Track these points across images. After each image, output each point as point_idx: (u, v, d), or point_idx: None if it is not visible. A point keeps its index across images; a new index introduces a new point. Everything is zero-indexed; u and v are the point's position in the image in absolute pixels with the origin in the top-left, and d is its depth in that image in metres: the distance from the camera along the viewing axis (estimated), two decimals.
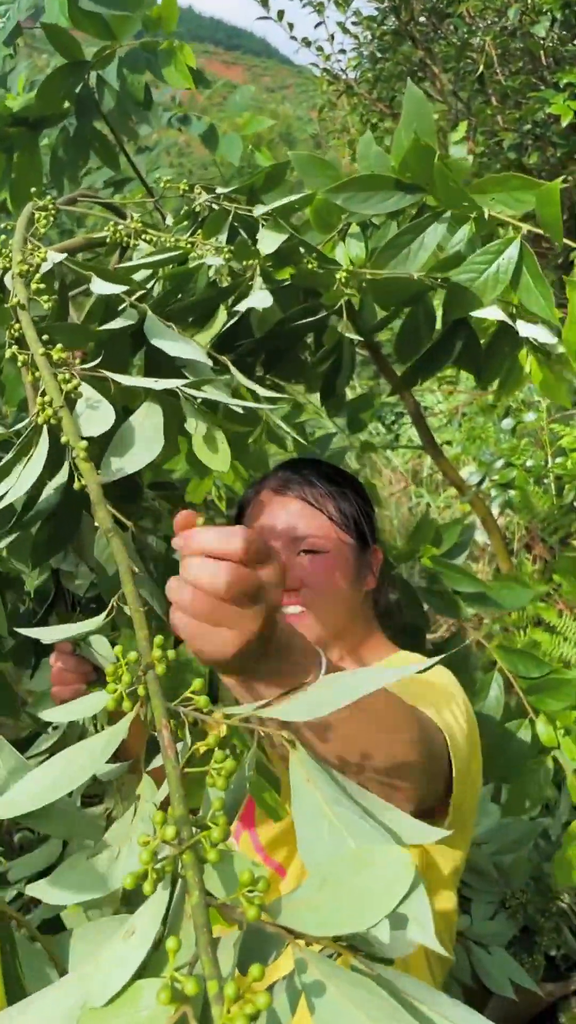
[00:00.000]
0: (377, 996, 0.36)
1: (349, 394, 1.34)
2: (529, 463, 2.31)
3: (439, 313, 1.08)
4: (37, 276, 0.74)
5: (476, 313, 0.90)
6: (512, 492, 2.31)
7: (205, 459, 0.72)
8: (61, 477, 0.68)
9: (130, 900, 0.67)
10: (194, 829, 0.39)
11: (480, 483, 2.36)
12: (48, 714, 0.48)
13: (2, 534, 0.66)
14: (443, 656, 0.47)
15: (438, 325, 1.07)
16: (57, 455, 0.64)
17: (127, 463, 0.63)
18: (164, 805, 0.45)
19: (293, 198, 0.94)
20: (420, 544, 1.35)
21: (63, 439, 0.59)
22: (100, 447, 0.65)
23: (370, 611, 1.04)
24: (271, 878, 0.95)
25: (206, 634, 0.52)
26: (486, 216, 0.96)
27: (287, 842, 0.92)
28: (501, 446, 2.62)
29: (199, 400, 0.72)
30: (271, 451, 1.40)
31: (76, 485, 0.60)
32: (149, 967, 0.37)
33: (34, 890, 0.49)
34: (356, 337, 0.94)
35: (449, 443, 3.35)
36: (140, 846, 0.37)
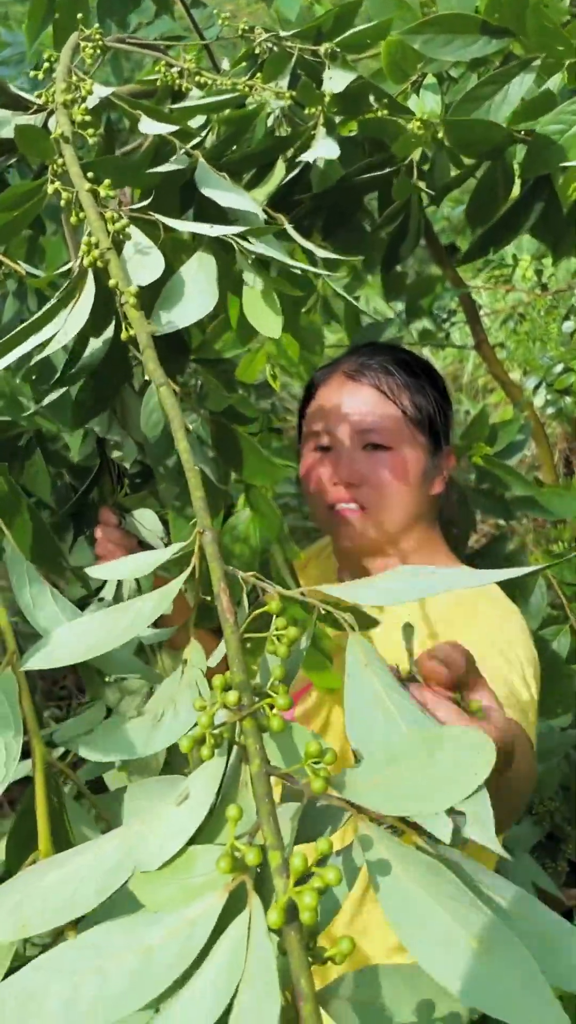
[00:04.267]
0: (444, 878, 0.34)
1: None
2: None
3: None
4: (82, 106, 0.67)
5: (565, 164, 0.81)
6: (568, 399, 2.21)
7: (257, 322, 0.65)
8: (108, 332, 0.63)
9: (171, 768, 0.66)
10: (255, 697, 0.35)
11: (537, 387, 2.24)
12: (95, 570, 0.45)
13: (46, 390, 0.62)
14: (515, 573, 0.41)
15: (515, 192, 0.98)
16: (103, 307, 0.59)
17: (178, 316, 0.58)
18: (210, 675, 0.42)
19: (364, 27, 0.84)
20: (473, 441, 1.29)
21: (111, 283, 0.54)
22: (148, 300, 0.60)
23: (433, 517, 0.97)
24: None
25: None
26: None
27: (310, 722, 0.91)
28: (560, 349, 2.49)
29: (254, 256, 0.66)
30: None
31: (124, 335, 0.55)
32: (202, 834, 0.35)
33: (73, 744, 0.47)
34: (428, 192, 0.85)
35: (502, 345, 3.19)
36: (197, 711, 0.34)
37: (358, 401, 0.91)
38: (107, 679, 0.70)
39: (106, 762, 0.54)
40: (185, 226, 0.60)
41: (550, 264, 2.84)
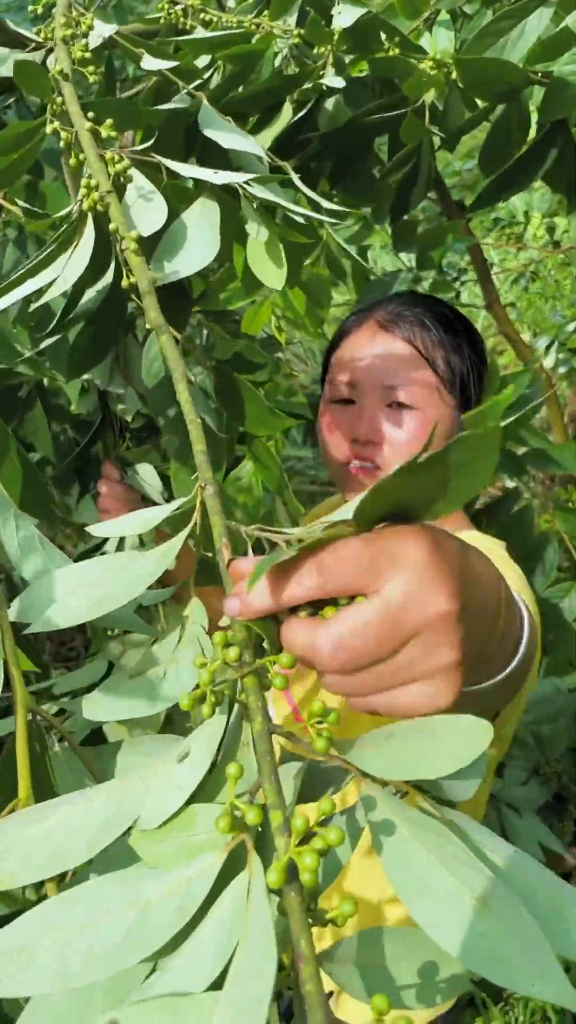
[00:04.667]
0: (448, 840, 0.33)
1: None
2: None
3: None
4: (82, 43, 0.64)
5: None
6: None
7: (260, 271, 0.63)
8: (107, 278, 0.61)
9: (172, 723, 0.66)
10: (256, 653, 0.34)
11: (548, 347, 2.19)
12: (95, 528, 0.43)
13: (43, 336, 0.60)
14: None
15: (530, 136, 0.94)
16: (102, 252, 0.56)
17: (180, 264, 0.55)
18: (212, 631, 0.41)
19: None
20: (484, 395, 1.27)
21: (111, 227, 0.52)
22: (148, 246, 0.57)
23: None
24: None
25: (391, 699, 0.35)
26: None
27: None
28: (572, 309, 2.44)
29: (258, 202, 0.63)
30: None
31: (124, 283, 0.53)
32: (203, 793, 0.34)
33: (74, 704, 0.46)
34: (440, 135, 0.81)
35: (512, 305, 3.13)
36: (198, 667, 0.33)
37: (388, 354, 0.85)
38: (109, 632, 0.70)
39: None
40: (189, 171, 0.57)
41: (563, 220, 2.77)
